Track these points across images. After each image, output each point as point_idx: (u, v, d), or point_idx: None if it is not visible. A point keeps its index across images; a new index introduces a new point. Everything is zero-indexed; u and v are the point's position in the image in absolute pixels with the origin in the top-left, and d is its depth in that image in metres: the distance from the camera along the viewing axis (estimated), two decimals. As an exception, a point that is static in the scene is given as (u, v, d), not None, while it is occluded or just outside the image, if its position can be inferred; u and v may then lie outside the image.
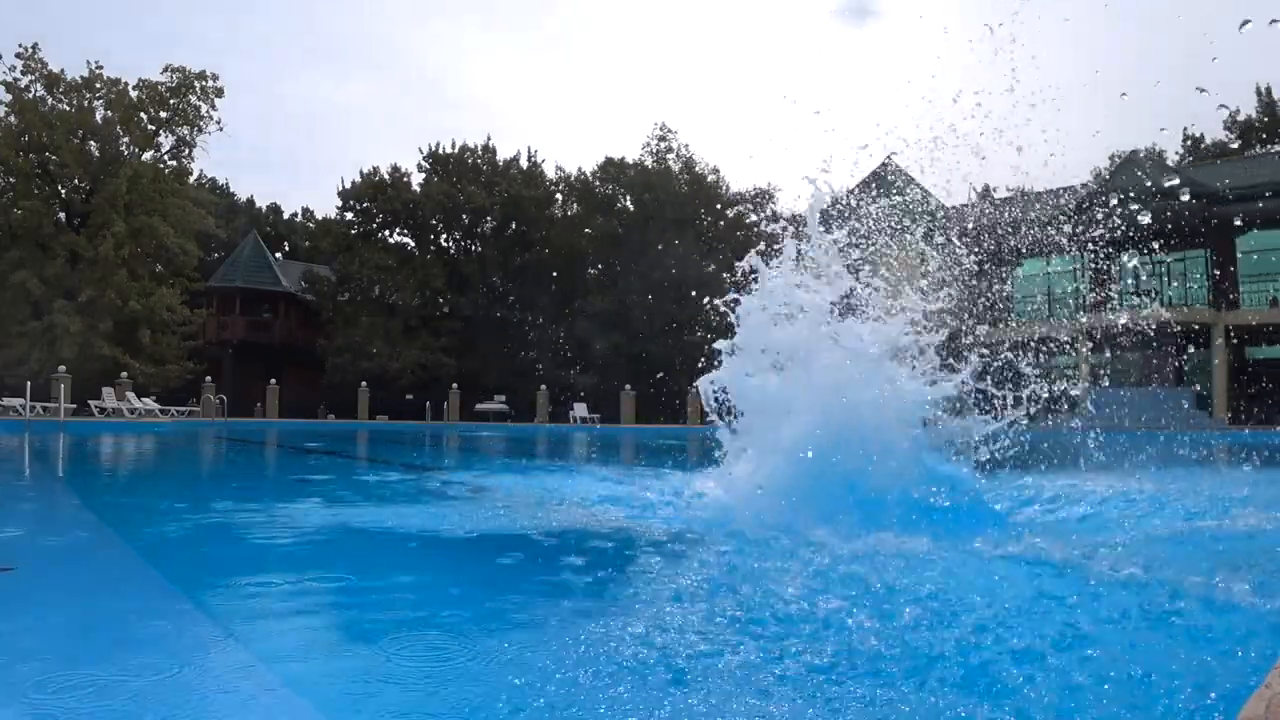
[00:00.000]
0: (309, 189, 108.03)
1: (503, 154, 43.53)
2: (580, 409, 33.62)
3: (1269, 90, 43.11)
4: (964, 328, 5.28)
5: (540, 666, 2.23)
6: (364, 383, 34.93)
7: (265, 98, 78.66)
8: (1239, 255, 30.19)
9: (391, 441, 19.78)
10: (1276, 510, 5.18)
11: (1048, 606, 2.86)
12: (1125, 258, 30.21)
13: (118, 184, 34.52)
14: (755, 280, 5.40)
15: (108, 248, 33.67)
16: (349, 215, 42.11)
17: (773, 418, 5.00)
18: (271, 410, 33.04)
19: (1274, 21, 5.01)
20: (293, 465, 12.92)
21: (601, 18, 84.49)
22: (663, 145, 42.31)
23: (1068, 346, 26.31)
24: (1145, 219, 26.43)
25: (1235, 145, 42.81)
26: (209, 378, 33.66)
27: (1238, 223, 28.70)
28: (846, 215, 5.52)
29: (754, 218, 43.38)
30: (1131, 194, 27.62)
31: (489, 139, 44.19)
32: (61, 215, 36.45)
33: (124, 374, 31.11)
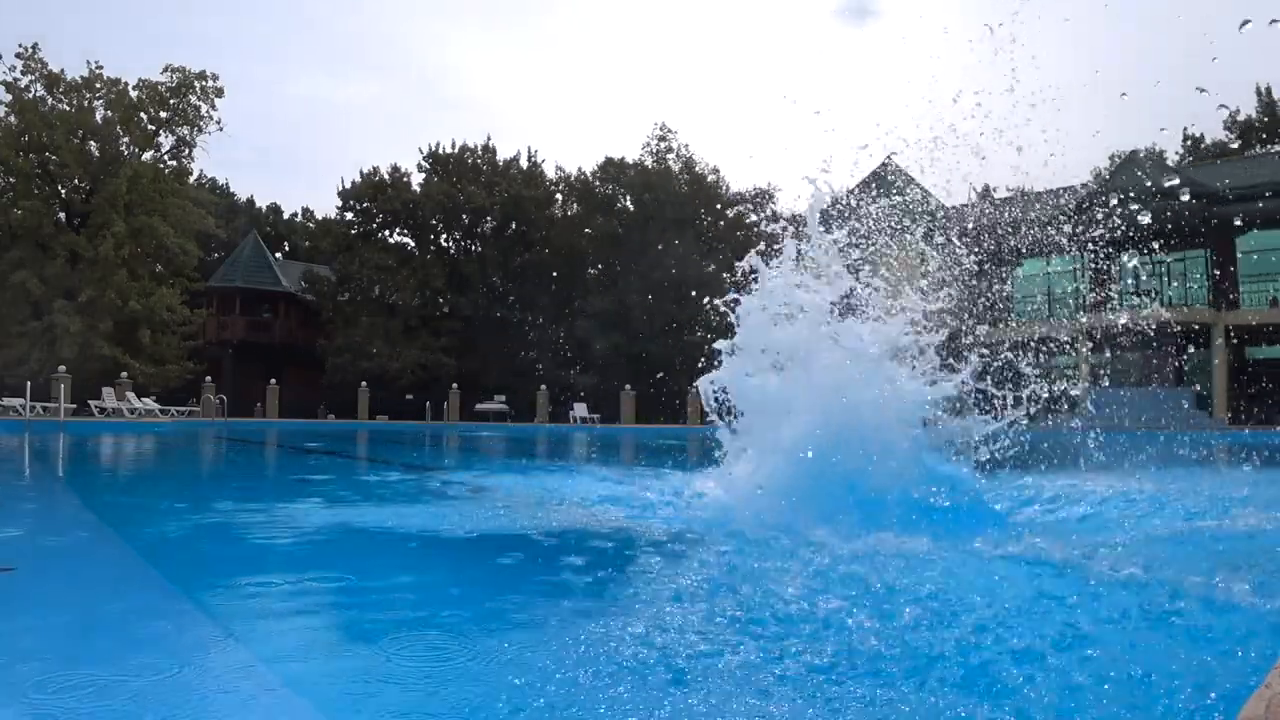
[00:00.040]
0: (309, 189, 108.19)
1: (503, 154, 43.59)
2: (580, 409, 33.62)
3: (1269, 90, 43.11)
4: (964, 328, 5.28)
5: (540, 667, 2.23)
6: (364, 383, 34.94)
7: (265, 98, 78.74)
8: (1239, 255, 30.19)
9: (391, 441, 19.78)
10: (1276, 510, 5.18)
11: (1048, 606, 2.86)
12: (1125, 258, 30.22)
13: (118, 184, 34.53)
14: (755, 280, 5.40)
15: (108, 248, 33.68)
16: (349, 215, 42.12)
17: (773, 418, 5.00)
18: (271, 410, 33.05)
19: (1274, 21, 5.01)
20: (293, 465, 12.92)
21: (601, 17, 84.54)
22: (663, 145, 42.34)
23: (1068, 346, 26.32)
24: (1145, 219, 26.45)
25: (1235, 145, 42.82)
26: (209, 378, 33.67)
27: (1238, 223, 28.70)
28: (846, 215, 5.52)
29: (754, 218, 43.41)
30: (1131, 194, 27.63)
31: (489, 139, 44.27)
32: (61, 215, 36.45)
33: (124, 374, 31.11)
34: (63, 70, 35.73)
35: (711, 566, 3.74)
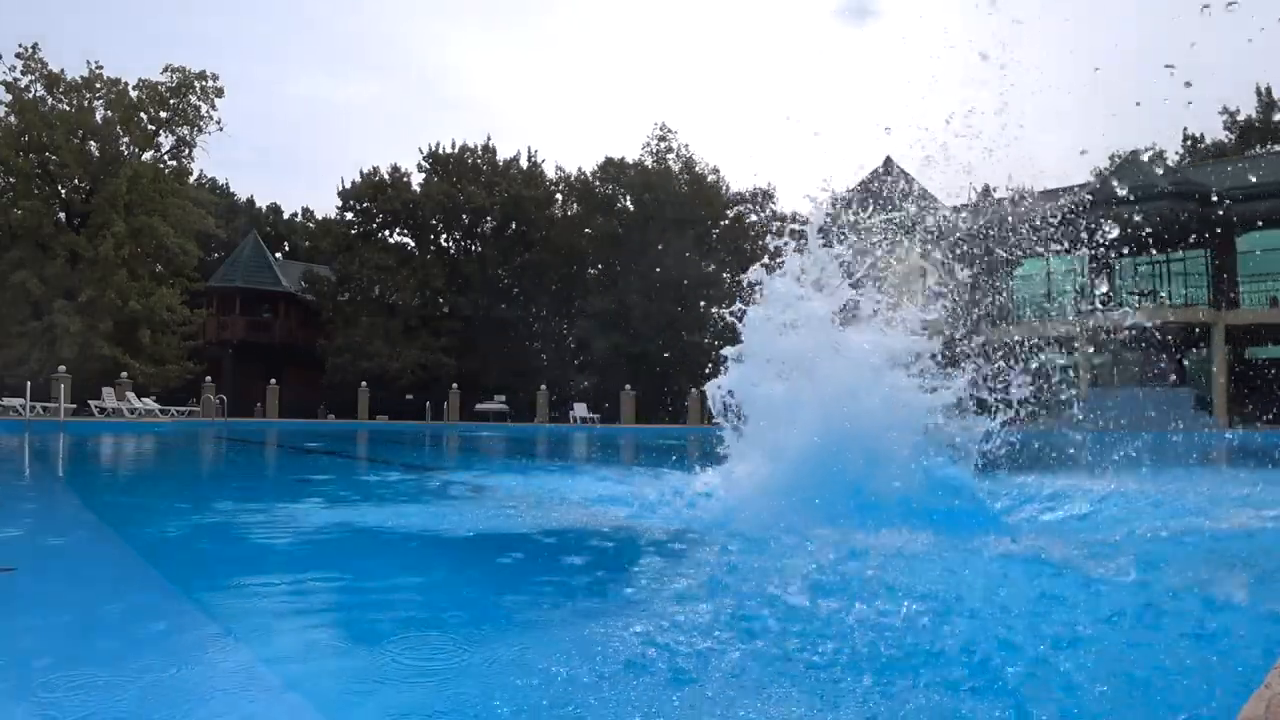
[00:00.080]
0: (309, 189, 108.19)
1: (503, 154, 43.58)
2: (580, 409, 33.63)
3: (1269, 90, 43.11)
4: (961, 335, 5.32)
5: (541, 667, 2.23)
6: (364, 383, 34.94)
7: (265, 98, 78.70)
8: (1239, 255, 30.19)
9: (391, 441, 19.79)
10: (1275, 510, 5.18)
11: (1047, 606, 2.86)
12: (1126, 258, 30.22)
13: (118, 184, 34.53)
14: (760, 291, 5.49)
15: (108, 248, 33.68)
16: (349, 215, 42.12)
17: (778, 423, 5.05)
18: (271, 410, 33.05)
19: (1232, 4, 5.01)
20: (293, 465, 12.93)
21: (602, 17, 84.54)
22: (663, 145, 42.36)
23: (1068, 347, 26.32)
24: (1146, 220, 26.45)
25: (1234, 144, 42.83)
26: (209, 378, 33.67)
27: (1234, 224, 28.71)
28: (845, 230, 5.59)
29: (754, 218, 43.41)
30: (1131, 196, 27.63)
31: (489, 139, 44.22)
32: (61, 215, 36.45)
33: (124, 374, 31.12)
34: (63, 70, 35.76)
35: (714, 566, 3.74)
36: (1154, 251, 30.45)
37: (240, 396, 36.09)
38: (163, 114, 37.60)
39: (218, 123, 38.39)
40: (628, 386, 33.74)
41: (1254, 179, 29.32)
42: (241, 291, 42.90)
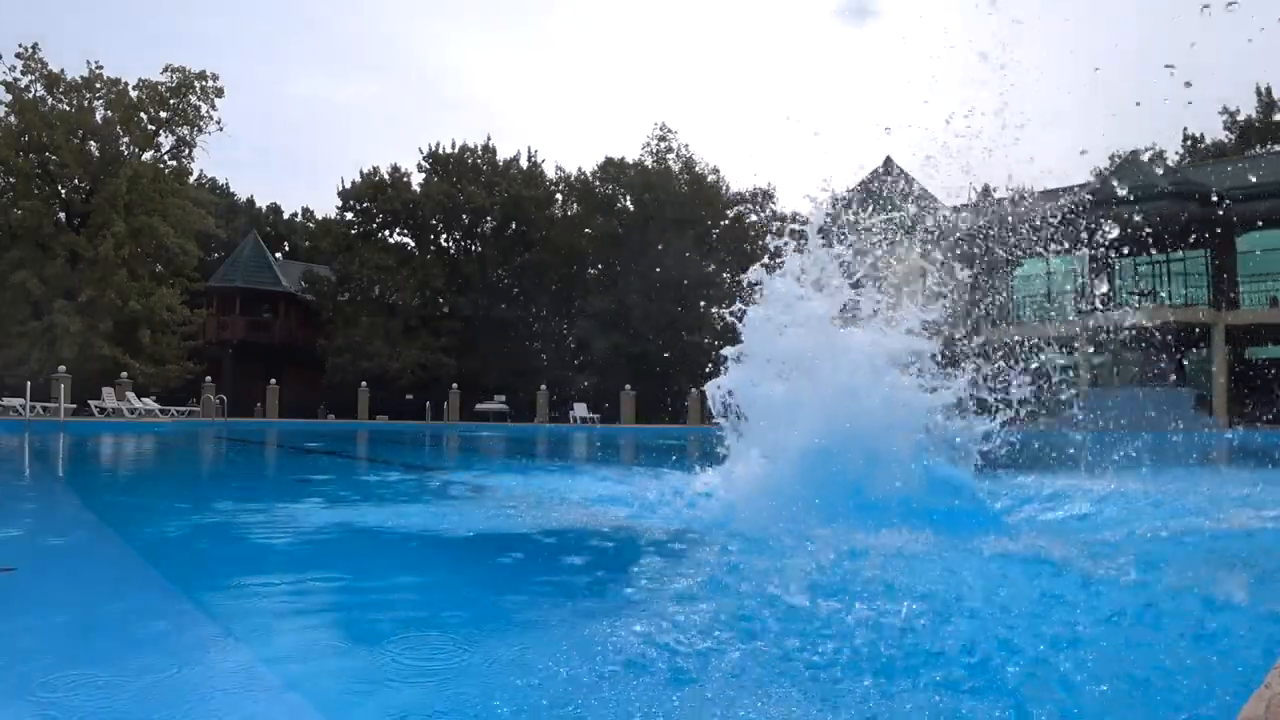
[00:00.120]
0: (309, 189, 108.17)
1: (503, 154, 43.57)
2: (580, 409, 33.63)
3: (1269, 90, 43.12)
4: (964, 333, 5.33)
5: (541, 666, 2.23)
6: (364, 383, 34.94)
7: (265, 98, 78.68)
8: (1239, 255, 30.19)
9: (391, 441, 19.79)
10: (1275, 510, 5.18)
11: (1047, 606, 2.86)
12: (1126, 258, 30.22)
13: (118, 184, 34.52)
14: (760, 292, 5.49)
15: (108, 248, 33.68)
16: (349, 215, 42.12)
17: (778, 423, 5.05)
18: (271, 410, 33.05)
19: (1232, 4, 5.02)
20: (293, 465, 12.93)
21: (601, 17, 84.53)
22: (663, 145, 42.35)
23: (1068, 347, 26.33)
24: (1146, 220, 26.44)
25: (1234, 144, 42.83)
26: (209, 378, 33.67)
27: (1235, 224, 28.71)
28: (845, 231, 5.60)
29: (754, 217, 43.41)
30: (1131, 196, 27.63)
31: (489, 139, 44.22)
32: (61, 215, 36.44)
33: (124, 374, 31.11)
34: (63, 70, 35.76)
35: (716, 566, 3.73)
36: (1154, 251, 30.45)
37: (240, 396, 36.09)
38: (163, 114, 37.60)
39: (218, 123, 38.44)
40: (628, 386, 33.74)
41: (1254, 179, 29.32)
42: (241, 291, 42.90)
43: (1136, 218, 24.31)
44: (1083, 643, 2.39)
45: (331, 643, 2.65)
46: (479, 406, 35.32)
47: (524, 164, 43.44)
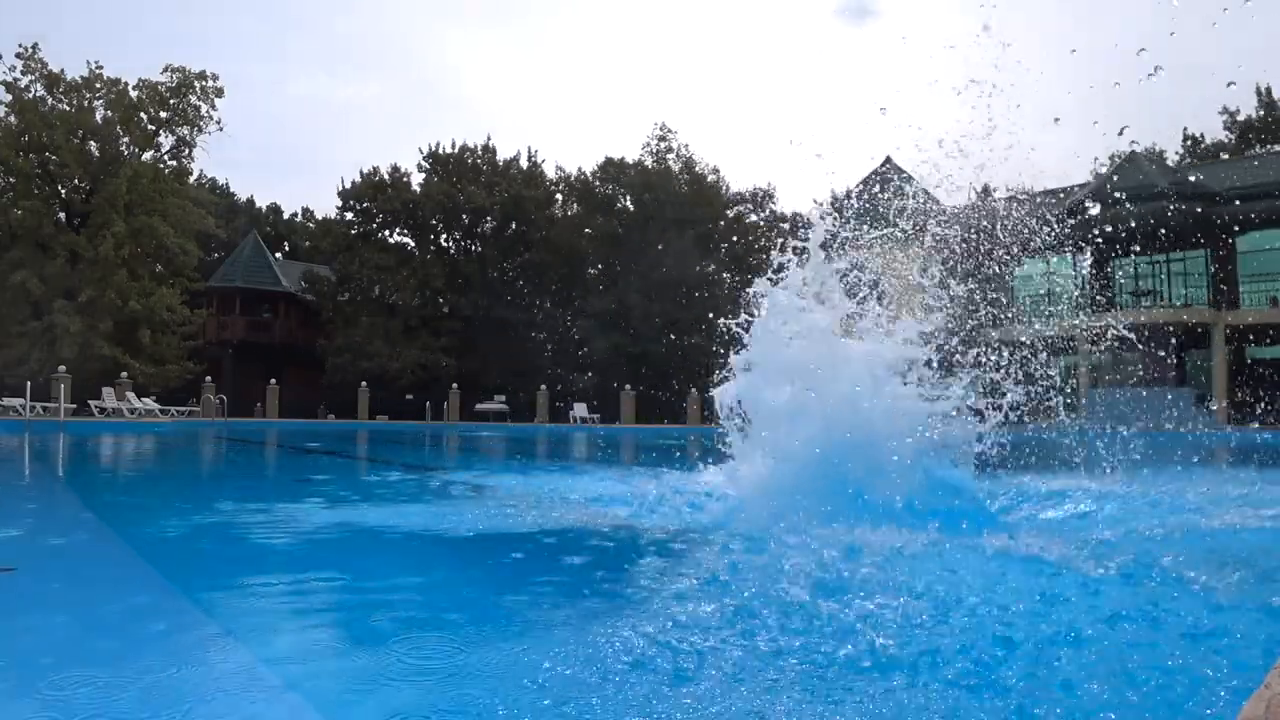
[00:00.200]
0: (309, 189, 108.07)
1: (503, 154, 43.54)
2: (580, 409, 33.63)
3: (1269, 90, 43.13)
4: (958, 342, 5.39)
5: (541, 666, 2.23)
6: (364, 383, 34.94)
7: (265, 98, 78.65)
8: (1239, 255, 30.19)
9: (391, 441, 19.79)
10: (1275, 510, 5.18)
11: (1047, 606, 2.86)
12: (1126, 258, 30.22)
13: (118, 184, 34.52)
14: (762, 305, 5.61)
15: (108, 248, 33.67)
16: (349, 215, 42.10)
17: (783, 428, 5.13)
18: (271, 410, 33.05)
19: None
20: (293, 465, 12.93)
21: (602, 17, 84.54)
22: (663, 145, 42.34)
23: (1067, 347, 26.34)
24: (1146, 220, 26.44)
25: (1234, 144, 42.83)
26: (209, 378, 33.65)
27: (1235, 224, 28.71)
28: (845, 248, 5.69)
29: (754, 218, 43.44)
30: (1132, 196, 27.62)
31: (489, 139, 44.18)
32: (61, 215, 36.43)
33: (124, 374, 31.10)
34: (63, 70, 35.74)
35: (718, 565, 3.74)
36: (1154, 251, 30.46)
37: (240, 396, 36.08)
38: (163, 114, 37.58)
39: (218, 123, 38.41)
40: (627, 386, 33.74)
41: (1254, 179, 29.33)
42: (241, 291, 42.89)
43: (1137, 218, 24.31)
44: (1082, 642, 2.39)
45: (331, 643, 2.65)
46: (479, 406, 35.32)
47: (524, 164, 43.43)
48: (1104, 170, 33.92)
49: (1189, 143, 45.81)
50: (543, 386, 34.31)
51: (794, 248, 5.60)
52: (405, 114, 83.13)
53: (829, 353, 5.17)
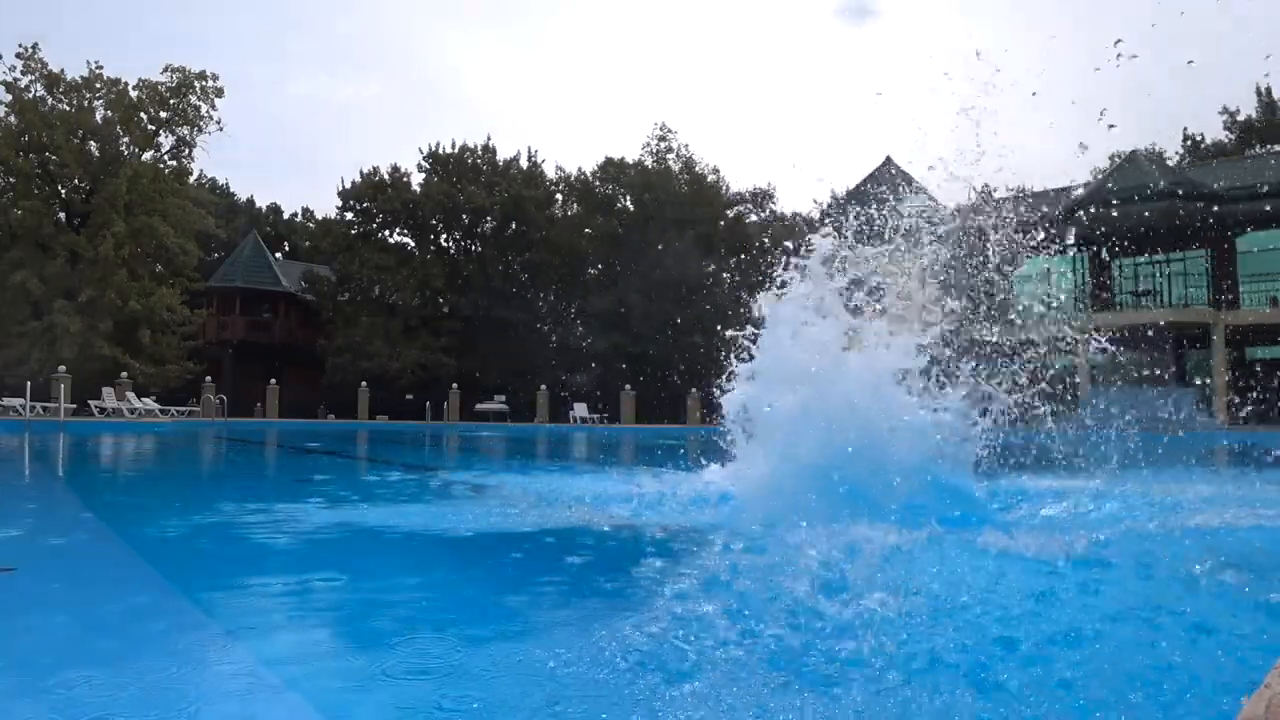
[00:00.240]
0: (309, 189, 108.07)
1: (503, 154, 43.53)
2: (580, 409, 33.62)
3: (1269, 90, 43.15)
4: (955, 352, 5.45)
5: (542, 666, 2.23)
6: (364, 383, 34.94)
7: (265, 98, 78.70)
8: (1239, 255, 30.19)
9: (391, 442, 19.79)
10: (1274, 509, 5.18)
11: (1047, 605, 2.86)
12: (1126, 258, 30.21)
13: (118, 184, 34.52)
14: (765, 318, 5.68)
15: (108, 248, 33.67)
16: (349, 215, 42.09)
17: (788, 433, 5.17)
18: (271, 410, 33.04)
19: None
20: (293, 465, 12.93)
21: (602, 17, 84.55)
22: (663, 145, 42.34)
23: (1067, 348, 26.34)
24: (1146, 220, 26.43)
25: (1234, 144, 42.83)
26: (209, 378, 33.66)
27: (1235, 224, 28.71)
28: (845, 265, 5.75)
29: (754, 218, 43.43)
30: (1132, 197, 27.62)
31: (489, 139, 44.17)
32: (61, 215, 36.43)
33: (124, 374, 31.10)
34: (63, 70, 35.75)
35: (720, 565, 3.74)
36: (1154, 251, 30.46)
37: (240, 396, 36.08)
38: (163, 114, 37.58)
39: (218, 123, 38.42)
40: (627, 386, 33.73)
41: (1254, 179, 29.33)
42: (241, 291, 42.89)
43: (1137, 218, 24.31)
44: (1081, 642, 2.39)
45: (331, 643, 2.65)
46: (479, 406, 35.32)
47: (524, 164, 43.42)
48: (1104, 171, 33.91)
49: (1189, 143, 45.82)
50: (543, 386, 34.30)
51: (796, 264, 5.68)
52: (405, 114, 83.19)
53: (831, 364, 5.23)
